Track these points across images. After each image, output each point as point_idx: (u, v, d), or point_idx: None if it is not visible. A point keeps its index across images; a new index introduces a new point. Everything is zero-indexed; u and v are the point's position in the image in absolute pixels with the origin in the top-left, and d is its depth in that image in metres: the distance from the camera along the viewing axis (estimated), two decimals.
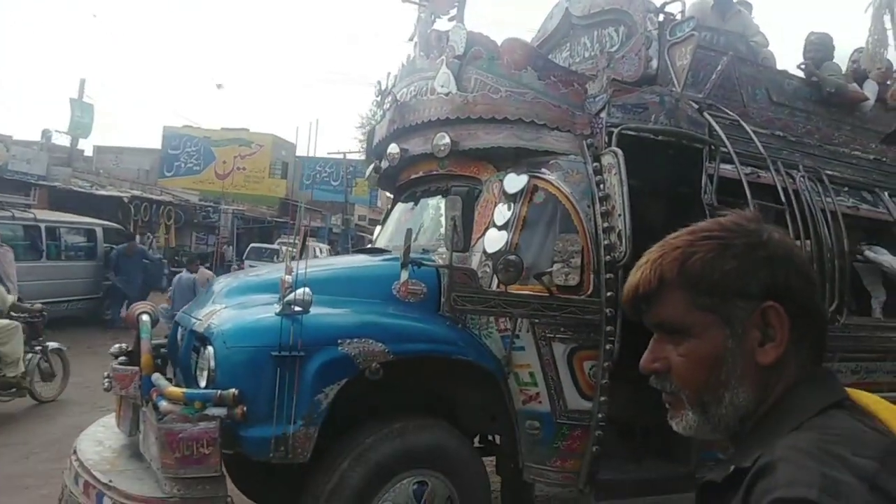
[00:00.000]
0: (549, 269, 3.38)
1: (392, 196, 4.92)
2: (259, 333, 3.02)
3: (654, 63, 4.23)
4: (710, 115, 4.16)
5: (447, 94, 3.86)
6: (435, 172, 4.10)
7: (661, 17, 4.33)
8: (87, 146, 28.78)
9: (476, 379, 3.46)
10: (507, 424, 3.53)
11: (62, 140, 24.08)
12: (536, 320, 3.40)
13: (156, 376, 3.21)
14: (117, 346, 3.55)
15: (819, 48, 5.22)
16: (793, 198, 4.12)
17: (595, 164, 3.62)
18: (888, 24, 4.46)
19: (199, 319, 3.34)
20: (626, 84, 3.94)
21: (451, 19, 4.24)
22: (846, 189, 4.77)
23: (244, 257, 24.15)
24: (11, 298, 6.90)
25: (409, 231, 3.36)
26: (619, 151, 3.52)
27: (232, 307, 3.34)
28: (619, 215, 3.45)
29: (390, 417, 3.22)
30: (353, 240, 38.14)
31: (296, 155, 39.74)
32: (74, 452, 3.35)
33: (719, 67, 4.51)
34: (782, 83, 4.88)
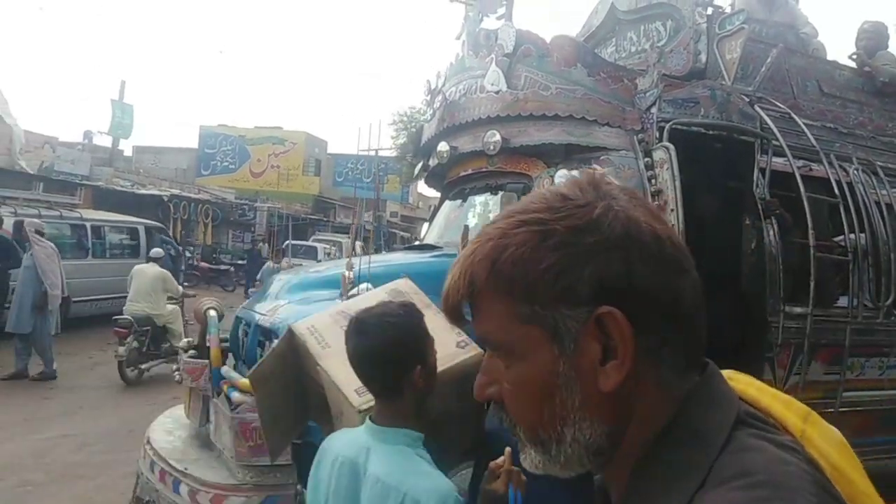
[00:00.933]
0: None
1: (440, 193, 5.01)
2: None
3: (703, 57, 4.26)
4: (760, 108, 4.17)
5: (497, 92, 3.94)
6: (484, 170, 4.18)
7: (709, 11, 4.34)
8: (126, 146, 29.45)
9: None
10: None
11: (103, 141, 24.69)
12: None
13: (225, 369, 3.36)
14: (186, 340, 3.71)
15: (872, 37, 5.17)
16: (846, 191, 4.11)
17: (646, 159, 3.66)
18: None
19: (264, 314, 3.48)
20: (676, 79, 3.97)
21: (499, 18, 4.32)
22: None
23: (285, 255, 24.52)
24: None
25: (466, 227, 3.46)
26: (671, 146, 3.56)
27: (294, 302, 3.48)
28: (672, 210, 3.49)
29: None
30: (385, 236, 38.45)
31: (328, 152, 40.18)
32: (148, 442, 3.52)
33: (769, 60, 4.51)
34: (833, 74, 4.85)
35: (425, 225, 5.14)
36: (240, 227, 31.40)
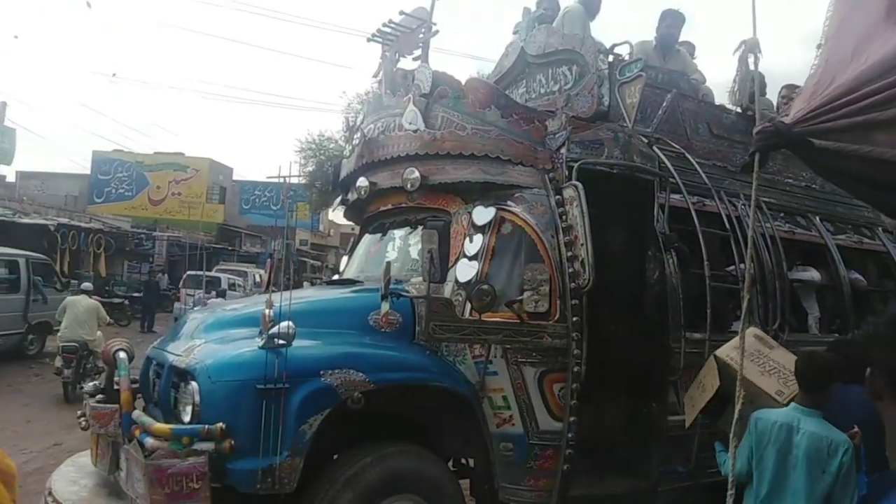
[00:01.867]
0: (519, 297, 3.59)
1: (358, 227, 5.06)
2: (244, 367, 3.12)
3: (606, 100, 4.55)
4: (658, 148, 4.50)
5: (416, 131, 4.06)
6: (404, 205, 4.28)
7: (610, 58, 4.65)
8: (9, 172, 27.60)
9: (450, 404, 3.62)
10: (480, 447, 3.70)
11: None
12: (508, 346, 3.60)
13: (136, 413, 3.26)
14: (92, 384, 3.56)
15: (790, 99, 5.66)
16: (735, 224, 4.47)
17: (557, 196, 3.86)
18: (751, 66, 4.89)
19: (179, 355, 3.40)
20: (582, 120, 4.22)
21: (415, 59, 4.46)
22: (782, 215, 5.17)
23: (180, 285, 23.57)
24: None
25: (388, 264, 3.53)
26: (580, 185, 3.78)
27: (212, 342, 3.42)
28: (582, 244, 3.70)
29: (371, 444, 3.35)
30: (295, 265, 37.73)
31: (233, 179, 39.20)
32: (50, 493, 3.35)
33: (665, 104, 4.87)
34: (721, 117, 5.28)
35: (344, 258, 5.17)
36: (137, 258, 30.00)
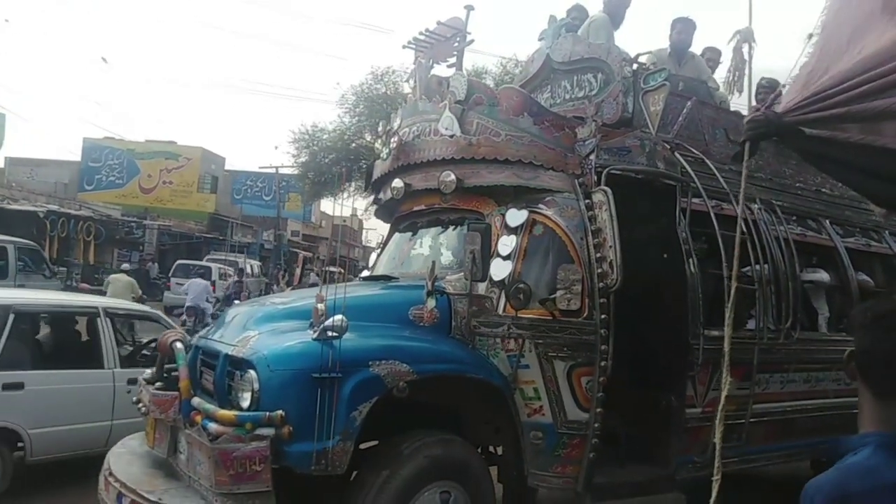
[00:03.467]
0: (552, 296, 3.90)
1: (389, 225, 5.36)
2: (300, 357, 3.42)
3: (630, 107, 4.87)
4: (679, 154, 4.81)
5: (451, 137, 4.36)
6: (437, 206, 4.58)
7: (634, 66, 4.96)
8: None
9: (483, 395, 3.94)
10: (510, 436, 4.02)
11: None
12: (540, 341, 3.92)
13: (197, 401, 3.56)
14: (147, 371, 3.86)
15: (769, 92, 5.96)
16: (751, 227, 4.79)
17: (587, 200, 4.18)
18: (746, 56, 5.15)
19: (234, 345, 3.70)
20: (609, 127, 4.53)
21: (450, 66, 4.76)
22: (794, 218, 5.51)
23: (170, 274, 23.80)
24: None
25: (434, 263, 3.84)
26: (609, 190, 4.09)
27: (265, 333, 3.72)
28: (611, 247, 4.01)
29: (414, 433, 3.67)
30: (286, 255, 37.93)
31: (225, 168, 39.29)
32: (111, 473, 3.65)
33: (685, 111, 5.18)
34: (738, 123, 5.57)
35: (373, 255, 5.47)
36: (126, 246, 30.15)
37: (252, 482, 3.16)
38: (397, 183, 4.67)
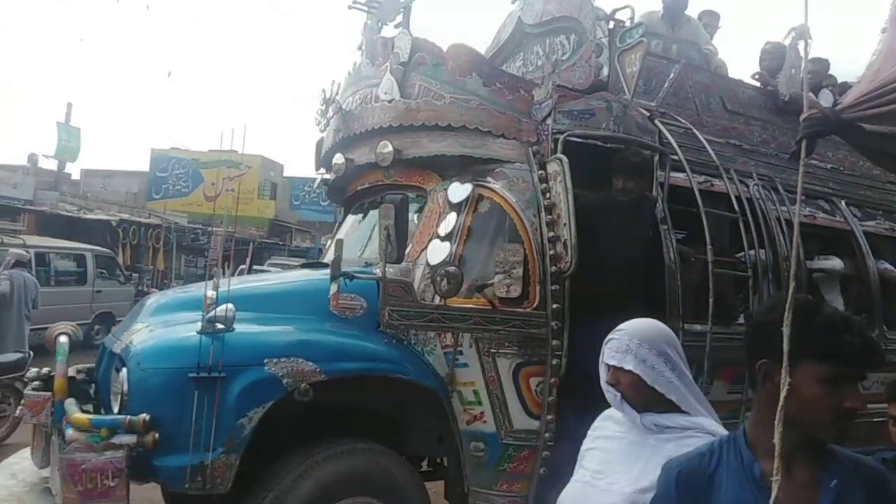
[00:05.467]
0: (490, 281, 3.10)
1: (342, 208, 4.63)
2: (176, 353, 2.72)
3: (606, 71, 4.02)
4: (662, 123, 3.94)
5: (390, 102, 3.60)
6: (381, 183, 3.83)
7: (611, 25, 4.10)
8: (74, 170, 27.99)
9: (421, 399, 3.17)
10: (453, 446, 3.23)
11: (49, 164, 23.41)
12: (480, 335, 3.12)
13: (69, 401, 2.88)
14: (35, 370, 3.21)
15: (774, 57, 5.03)
16: (746, 206, 3.89)
17: (541, 171, 3.36)
18: (802, 53, 4.32)
19: (120, 340, 3.03)
20: (577, 92, 3.70)
21: (396, 26, 4.00)
22: (803, 198, 4.54)
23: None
24: None
25: (340, 241, 3.09)
26: (564, 158, 3.27)
27: (155, 326, 3.04)
28: (565, 224, 3.19)
29: (319, 443, 2.92)
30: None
31: (283, 175, 39.28)
32: None
33: (671, 76, 4.30)
34: (737, 92, 4.67)
35: (327, 241, 4.75)
36: (193, 252, 30.22)
37: (104, 499, 2.47)
38: (338, 159, 3.93)
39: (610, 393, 1.72)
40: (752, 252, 3.84)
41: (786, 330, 1.27)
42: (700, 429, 1.60)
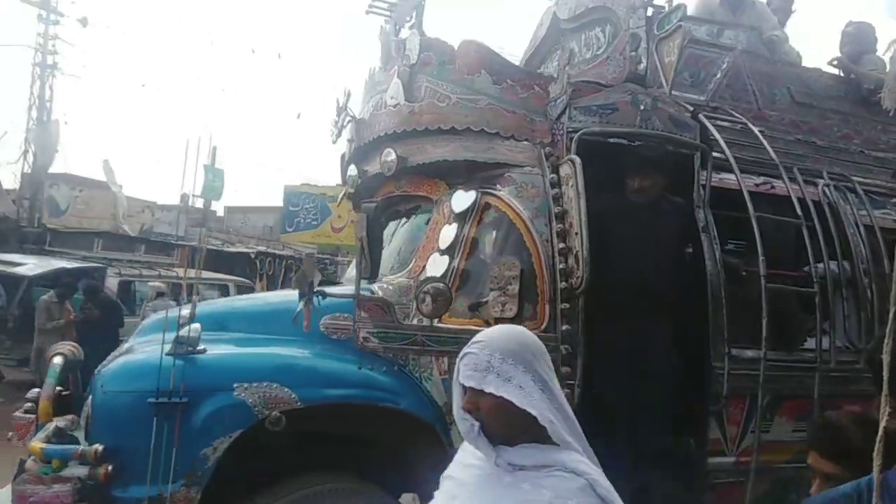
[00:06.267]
0: (484, 299, 2.69)
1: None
2: (137, 376, 2.50)
3: (646, 63, 3.52)
4: (710, 117, 3.39)
5: (395, 106, 3.29)
6: (393, 194, 3.51)
7: (649, 12, 3.60)
8: (220, 207, 29.72)
9: (418, 430, 2.79)
10: None
11: (197, 202, 24.95)
12: None
13: (51, 426, 2.73)
14: (37, 390, 3.11)
15: (857, 40, 4.30)
16: (813, 210, 3.24)
17: (553, 175, 2.92)
18: None
19: (108, 361, 2.87)
20: (600, 85, 3.23)
21: (410, 27, 3.69)
22: (895, 200, 3.79)
23: None
24: None
25: (310, 256, 2.79)
26: (577, 159, 2.81)
27: (139, 346, 2.86)
28: (577, 234, 2.73)
29: (295, 479, 2.60)
30: None
31: None
32: None
33: (724, 65, 3.71)
34: (808, 81, 3.99)
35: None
36: (322, 283, 31.16)
37: None
38: (352, 171, 3.65)
39: (465, 422, 1.30)
40: (821, 264, 3.19)
41: (885, 357, 1.17)
42: (561, 465, 1.23)
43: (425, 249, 3.09)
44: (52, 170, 16.59)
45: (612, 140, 3.03)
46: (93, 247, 13.44)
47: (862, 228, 3.35)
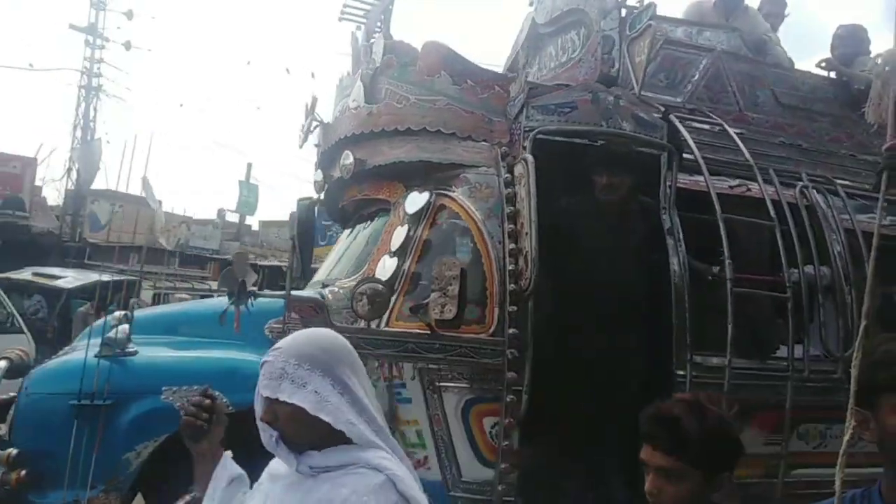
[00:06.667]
0: (425, 300, 2.55)
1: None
2: (61, 378, 2.43)
3: (617, 65, 3.38)
4: (686, 119, 3.24)
5: (356, 109, 3.19)
6: (357, 198, 3.40)
7: (623, 13, 3.46)
8: (254, 222, 30.19)
9: None
10: None
11: (232, 217, 25.40)
12: (424, 365, 2.56)
13: None
14: None
15: (849, 43, 4.10)
16: (789, 214, 3.04)
17: (506, 175, 2.78)
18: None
19: None
20: (559, 85, 3.10)
21: (378, 32, 3.61)
22: (885, 204, 3.54)
23: None
24: None
25: (241, 254, 2.67)
26: (530, 158, 2.67)
27: (80, 348, 2.77)
28: (527, 234, 2.58)
29: None
30: None
31: None
32: None
33: (702, 66, 3.55)
34: (794, 83, 3.80)
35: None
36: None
37: None
38: (317, 175, 3.56)
39: (265, 432, 1.22)
40: (799, 269, 2.98)
41: (853, 371, 1.18)
42: (364, 463, 1.16)
43: (380, 252, 2.96)
44: (93, 186, 16.99)
45: (576, 140, 2.88)
46: (129, 260, 13.68)
47: (842, 232, 3.13)
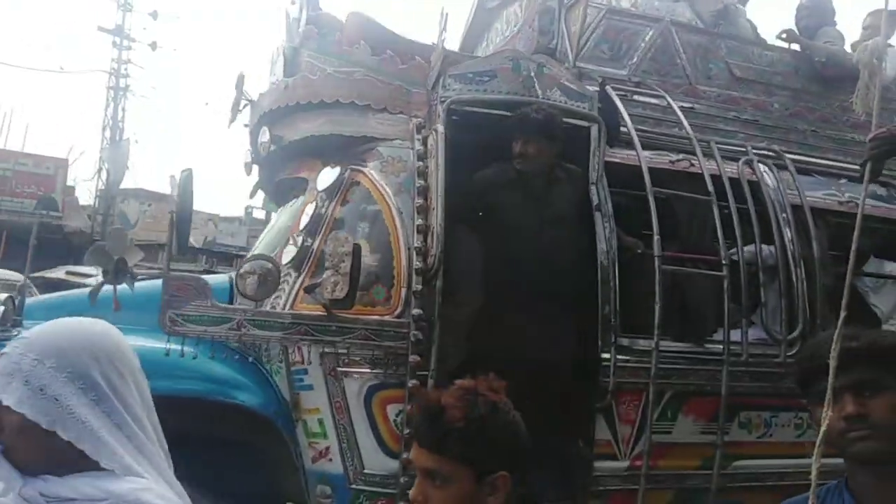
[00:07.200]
0: (318, 280, 2.36)
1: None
2: None
3: (556, 37, 3.18)
4: (632, 92, 3.03)
5: (275, 83, 3.01)
6: (283, 177, 3.22)
7: None
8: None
9: (262, 428, 2.47)
10: (303, 489, 2.48)
11: (259, 214, 25.48)
12: (324, 350, 2.38)
13: None
14: None
15: (813, 13, 3.85)
16: (728, 188, 2.81)
17: (419, 148, 2.58)
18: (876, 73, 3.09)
19: None
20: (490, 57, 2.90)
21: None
22: (844, 181, 3.30)
23: None
24: None
25: (118, 230, 2.50)
26: (441, 129, 2.48)
27: None
28: (433, 209, 2.38)
29: None
30: None
31: None
32: None
33: (649, 37, 3.32)
34: (751, 55, 3.55)
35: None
36: None
37: None
38: (247, 157, 3.38)
39: None
40: (738, 246, 2.75)
41: (832, 362, 1.10)
42: (115, 499, 0.87)
43: (292, 232, 2.78)
44: (123, 186, 17.08)
45: (494, 111, 2.67)
46: (158, 258, 13.70)
47: (789, 208, 2.89)
